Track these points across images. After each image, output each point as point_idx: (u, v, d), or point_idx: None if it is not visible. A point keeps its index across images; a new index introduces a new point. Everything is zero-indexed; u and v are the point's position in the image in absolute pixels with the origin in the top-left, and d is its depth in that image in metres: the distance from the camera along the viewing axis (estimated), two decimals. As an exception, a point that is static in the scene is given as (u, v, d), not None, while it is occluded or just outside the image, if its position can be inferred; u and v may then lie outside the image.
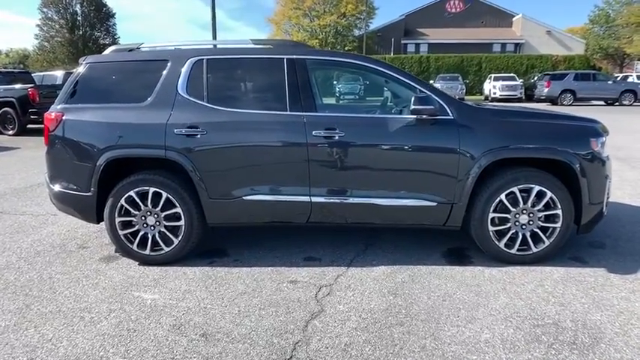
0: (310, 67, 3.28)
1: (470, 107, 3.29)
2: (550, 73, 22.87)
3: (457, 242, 3.71)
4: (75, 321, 2.61)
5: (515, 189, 3.15)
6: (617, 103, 20.90)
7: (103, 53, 3.59)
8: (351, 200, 3.22)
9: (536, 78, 24.08)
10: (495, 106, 4.04)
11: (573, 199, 3.17)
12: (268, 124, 3.21)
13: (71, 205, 3.46)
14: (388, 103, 4.17)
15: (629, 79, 23.36)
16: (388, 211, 3.25)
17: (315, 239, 3.81)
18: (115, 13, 42.32)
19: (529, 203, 3.18)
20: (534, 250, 3.23)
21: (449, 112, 3.15)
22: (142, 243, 3.35)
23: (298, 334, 2.44)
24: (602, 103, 21.39)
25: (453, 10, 42.14)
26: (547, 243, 3.22)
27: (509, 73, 28.31)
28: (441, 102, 3.15)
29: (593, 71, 24.66)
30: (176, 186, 3.25)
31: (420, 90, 3.18)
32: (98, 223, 3.50)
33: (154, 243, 3.34)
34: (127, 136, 3.23)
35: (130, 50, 3.55)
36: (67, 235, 4.10)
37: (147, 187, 3.25)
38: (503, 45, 38.11)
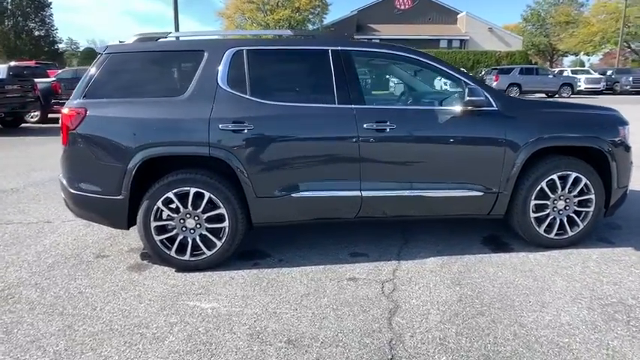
0: (356, 59, 3.19)
1: (511, 98, 3.39)
2: (497, 67, 24.14)
3: (489, 230, 3.80)
4: (136, 339, 2.37)
5: (554, 176, 3.28)
6: (556, 95, 22.52)
7: (126, 42, 3.27)
8: (401, 193, 3.19)
9: (483, 73, 25.35)
10: (527, 97, 4.17)
11: (603, 184, 3.36)
12: (317, 117, 3.09)
13: (96, 211, 3.14)
14: (408, 95, 4.16)
15: (565, 74, 25.30)
16: (437, 202, 3.26)
17: (351, 234, 3.75)
18: (50, 3, 39.06)
19: (566, 189, 3.32)
20: (570, 233, 3.39)
21: (493, 103, 3.21)
22: (180, 248, 3.11)
23: (387, 332, 2.38)
24: (544, 95, 22.97)
25: (402, 7, 43.25)
26: (581, 226, 3.39)
27: (458, 68, 29.59)
28: (486, 93, 3.20)
29: (536, 66, 26.41)
30: (219, 185, 3.04)
31: (465, 82, 3.21)
32: (128, 228, 3.21)
33: (194, 247, 3.12)
34: (164, 133, 2.97)
35: (157, 39, 3.26)
36: (75, 244, 3.72)
37: (187, 188, 3.02)
38: (450, 41, 39.68)
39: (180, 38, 3.31)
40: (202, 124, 2.96)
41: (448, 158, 3.19)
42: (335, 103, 3.11)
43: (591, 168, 3.31)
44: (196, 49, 3.13)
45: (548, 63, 48.95)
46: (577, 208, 3.37)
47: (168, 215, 3.08)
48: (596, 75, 24.68)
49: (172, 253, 3.11)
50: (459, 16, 42.02)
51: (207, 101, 3.01)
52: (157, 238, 3.08)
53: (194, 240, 3.11)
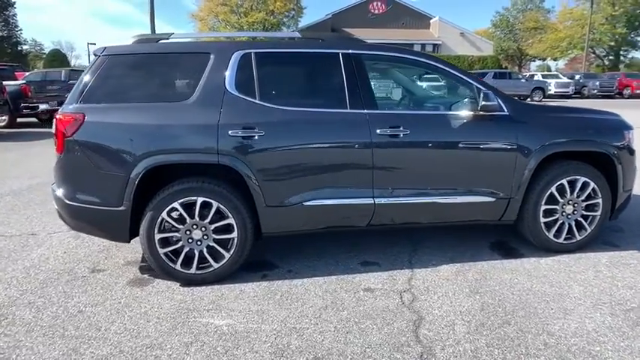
0: (367, 63, 3.11)
1: (521, 103, 3.38)
2: (471, 72, 24.66)
3: (496, 236, 3.79)
4: (150, 361, 2.20)
5: (564, 181, 3.29)
6: (528, 99, 23.19)
7: (125, 44, 3.08)
8: (414, 200, 3.13)
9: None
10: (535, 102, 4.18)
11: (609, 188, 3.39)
12: (330, 123, 2.99)
13: (95, 223, 2.94)
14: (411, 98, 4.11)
15: (535, 78, 26.12)
16: (449, 209, 3.21)
17: (358, 242, 3.66)
18: (14, 2, 37.43)
19: (575, 194, 3.34)
20: (578, 238, 3.41)
21: (504, 108, 3.19)
22: (185, 261, 2.94)
23: (416, 345, 2.30)
24: (516, 98, 23.57)
25: (376, 11, 43.73)
26: (589, 230, 3.41)
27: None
28: (497, 98, 3.18)
29: (509, 70, 27.15)
30: (228, 194, 2.89)
31: (477, 87, 3.18)
32: (130, 241, 3.01)
33: (201, 260, 2.95)
34: (170, 140, 2.80)
35: (158, 41, 3.09)
36: (66, 257, 3.48)
37: (194, 197, 2.85)
38: (423, 46, 40.30)
39: (182, 40, 3.14)
40: (211, 131, 2.81)
41: (461, 164, 3.15)
42: (347, 108, 3.01)
43: (598, 172, 3.34)
44: (202, 52, 2.98)
45: (517, 67, 50.52)
46: (585, 213, 3.40)
47: (174, 226, 2.90)
48: (565, 79, 25.57)
49: (177, 266, 2.93)
50: (431, 21, 42.82)
51: (215, 106, 2.86)
52: (161, 250, 2.90)
53: (201, 252, 2.95)
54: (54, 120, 2.92)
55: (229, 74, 2.92)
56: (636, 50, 40.33)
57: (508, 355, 2.21)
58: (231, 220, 2.92)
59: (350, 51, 3.08)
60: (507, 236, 3.76)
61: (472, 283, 2.97)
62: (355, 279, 3.06)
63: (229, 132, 2.82)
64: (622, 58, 40.42)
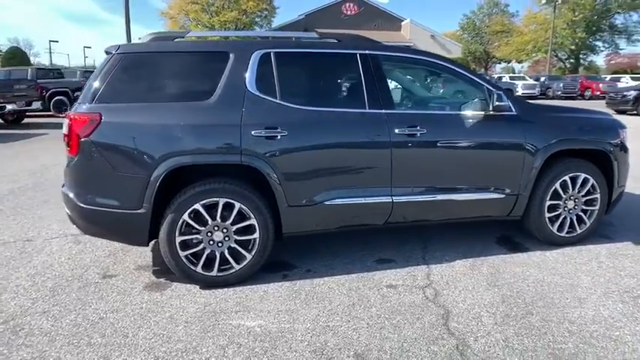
0: (383, 63, 3.17)
1: (527, 104, 3.52)
2: (444, 74, 25.25)
3: (499, 231, 3.92)
4: (188, 365, 2.17)
5: (567, 177, 3.46)
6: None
7: (138, 42, 3.01)
8: (430, 198, 3.21)
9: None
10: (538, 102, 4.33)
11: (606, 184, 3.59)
12: (350, 122, 3.02)
13: (110, 226, 2.85)
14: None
15: (503, 80, 27.06)
16: (463, 206, 3.32)
17: (370, 241, 3.70)
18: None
19: (576, 190, 3.51)
20: (579, 231, 3.59)
21: (512, 108, 3.32)
22: (206, 264, 2.91)
23: (450, 338, 2.37)
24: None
25: (349, 13, 44.10)
26: (588, 224, 3.60)
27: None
28: (507, 99, 3.30)
29: (481, 73, 27.93)
30: (250, 195, 2.88)
31: (488, 88, 3.29)
32: (148, 245, 2.95)
33: (222, 262, 2.92)
34: (192, 140, 2.76)
35: (174, 39, 3.03)
36: (71, 263, 3.36)
37: (216, 199, 2.82)
38: (395, 47, 41.02)
39: (201, 39, 3.10)
40: (233, 131, 2.79)
41: (474, 162, 3.25)
42: (365, 108, 3.06)
43: (597, 169, 3.53)
44: (221, 51, 2.95)
45: (483, 69, 52.17)
46: (584, 207, 3.58)
47: (195, 228, 2.86)
48: (531, 81, 26.62)
49: (199, 269, 2.89)
50: (402, 23, 43.58)
51: (237, 106, 2.85)
52: (182, 253, 2.86)
53: (222, 254, 2.92)
54: (66, 120, 2.82)
55: (250, 74, 2.91)
56: (594, 54, 42.57)
57: (538, 343, 2.32)
58: (252, 221, 2.91)
59: (367, 52, 3.13)
60: (510, 231, 3.90)
61: (488, 277, 3.07)
62: (375, 276, 3.11)
63: (252, 132, 2.81)
64: (581, 61, 42.45)
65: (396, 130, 3.05)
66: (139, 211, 2.76)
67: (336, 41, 3.25)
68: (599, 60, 46.04)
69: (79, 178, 2.80)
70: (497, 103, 3.13)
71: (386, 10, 44.41)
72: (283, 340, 2.37)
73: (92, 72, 3.17)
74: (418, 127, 3.09)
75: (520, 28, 42.42)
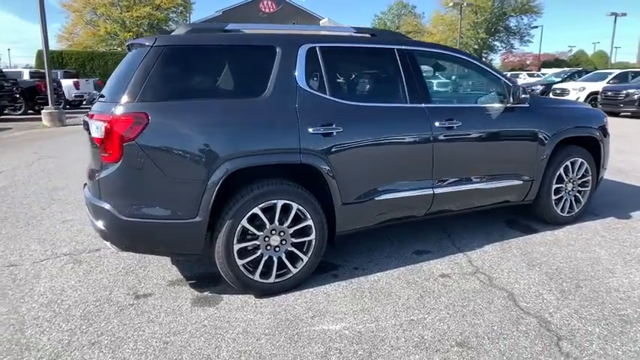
0: (418, 58, 3.22)
1: (534, 97, 3.81)
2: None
3: (504, 216, 4.21)
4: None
5: (568, 162, 3.83)
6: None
7: (175, 34, 2.71)
8: (465, 187, 3.35)
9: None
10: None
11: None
12: (397, 117, 3.04)
13: (160, 240, 2.56)
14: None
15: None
16: (491, 193, 3.51)
17: (396, 234, 3.75)
18: None
19: (574, 173, 3.90)
20: (576, 210, 4.00)
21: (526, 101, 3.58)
22: (263, 271, 2.74)
23: (527, 317, 2.51)
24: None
25: (267, 10, 43.76)
26: (583, 203, 4.03)
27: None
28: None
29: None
30: (307, 195, 2.77)
31: (505, 82, 3.50)
32: (201, 255, 2.69)
33: (279, 267, 2.77)
34: (252, 140, 2.57)
35: (214, 31, 2.79)
36: (85, 285, 2.96)
37: (274, 201, 2.67)
38: (316, 45, 41.52)
39: (241, 31, 2.87)
40: (292, 129, 2.66)
41: (500, 151, 3.47)
42: (407, 102, 3.10)
43: (589, 154, 3.95)
44: (267, 44, 2.78)
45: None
46: (579, 188, 3.99)
47: (253, 234, 2.68)
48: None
49: (256, 277, 2.72)
50: (321, 22, 44.28)
51: (291, 103, 2.71)
52: (240, 262, 2.66)
53: (279, 259, 2.77)
54: (97, 122, 2.46)
55: (299, 69, 2.78)
56: (494, 53, 47.15)
57: (603, 311, 2.55)
58: (309, 222, 2.80)
59: (403, 47, 3.16)
60: (513, 215, 4.21)
61: (522, 258, 3.29)
62: (423, 267, 3.17)
63: (310, 130, 2.70)
64: (484, 59, 46.77)
65: (437, 124, 3.13)
66: (194, 219, 2.50)
67: (370, 36, 3.23)
68: (497, 59, 51.06)
69: (121, 187, 2.46)
70: (516, 95, 3.36)
71: (304, 9, 44.89)
72: (379, 338, 2.32)
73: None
74: (454, 120, 3.21)
75: (429, 29, 45.50)
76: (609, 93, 13.68)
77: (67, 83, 18.57)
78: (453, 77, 4.54)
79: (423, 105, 3.13)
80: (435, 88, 4.24)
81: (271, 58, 2.74)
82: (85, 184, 2.99)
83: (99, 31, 32.75)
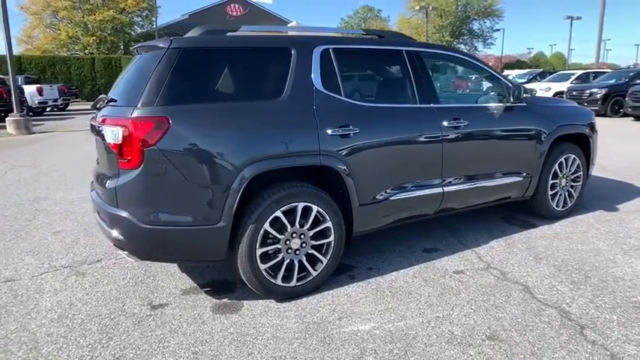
0: (424, 59, 3.28)
1: (531, 96, 3.94)
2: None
3: (499, 212, 4.33)
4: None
5: (562, 159, 3.99)
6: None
7: (189, 36, 2.64)
8: (471, 185, 3.43)
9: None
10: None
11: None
12: (409, 118, 3.08)
13: (181, 247, 2.48)
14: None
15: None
16: (495, 190, 3.61)
17: (401, 233, 3.79)
18: None
19: (567, 169, 4.07)
20: (569, 204, 4.17)
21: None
22: (285, 275, 2.71)
23: (547, 308, 2.59)
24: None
25: (234, 14, 43.48)
26: (575, 198, 4.20)
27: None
28: (522, 92, 3.68)
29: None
30: (326, 196, 2.76)
31: (506, 83, 3.62)
32: (223, 261, 2.63)
33: (299, 270, 2.75)
34: (274, 143, 2.54)
35: (226, 33, 2.73)
36: (94, 298, 2.83)
37: (295, 203, 2.65)
38: (286, 49, 41.44)
39: (247, 33, 2.84)
40: (311, 131, 2.65)
41: (504, 149, 3.58)
42: (417, 103, 3.15)
43: (580, 150, 4.13)
44: (282, 46, 2.75)
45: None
46: (572, 184, 4.17)
47: (274, 238, 2.64)
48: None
49: (278, 281, 2.68)
50: (289, 25, 44.33)
51: (309, 105, 2.70)
52: (262, 267, 2.62)
53: (300, 262, 2.74)
54: (112, 127, 2.37)
55: (315, 71, 2.77)
56: (459, 55, 48.41)
57: (616, 299, 2.67)
58: (328, 224, 2.79)
59: (410, 48, 3.21)
60: (508, 211, 4.34)
61: (527, 252, 3.40)
62: (435, 265, 3.22)
63: (328, 131, 2.69)
64: (449, 61, 48.08)
65: (445, 123, 3.20)
66: (217, 225, 2.45)
67: (378, 37, 3.27)
68: (461, 61, 52.45)
69: (141, 194, 2.37)
70: (516, 95, 3.48)
71: (272, 12, 44.86)
72: (411, 337, 2.34)
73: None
74: (461, 120, 3.28)
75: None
76: (574, 92, 14.38)
77: (29, 89, 17.65)
78: (456, 77, 4.65)
79: (431, 105, 3.19)
80: (438, 89, 4.31)
81: (287, 59, 2.72)
82: (93, 190, 2.87)
83: (60, 35, 31.48)
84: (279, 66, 2.71)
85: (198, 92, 2.51)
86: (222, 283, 3.02)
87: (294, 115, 2.65)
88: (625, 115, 13.28)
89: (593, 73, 17.03)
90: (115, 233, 2.48)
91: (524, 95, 3.52)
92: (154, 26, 36.33)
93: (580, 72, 17.32)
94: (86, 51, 32.83)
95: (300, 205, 2.67)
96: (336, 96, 2.82)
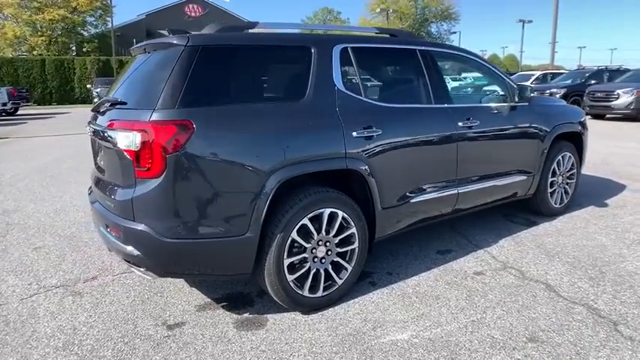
0: (437, 58, 3.24)
1: (531, 96, 4.00)
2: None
3: (500, 212, 4.38)
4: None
5: (560, 157, 4.09)
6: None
7: (208, 33, 2.45)
8: (482, 185, 3.42)
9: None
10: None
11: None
12: (427, 118, 3.03)
13: (209, 261, 2.30)
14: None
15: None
16: (502, 189, 3.63)
17: (410, 235, 3.71)
18: None
19: (564, 167, 4.18)
20: (565, 202, 4.28)
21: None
22: (312, 285, 2.58)
23: (575, 306, 2.60)
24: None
25: (193, 14, 42.51)
26: (570, 194, 4.32)
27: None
28: (524, 92, 3.73)
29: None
30: (350, 201, 2.65)
31: (510, 83, 3.65)
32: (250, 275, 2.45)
33: (325, 279, 2.62)
34: (301, 147, 2.40)
35: (243, 30, 2.56)
36: (99, 320, 2.58)
37: (321, 209, 2.52)
38: (249, 50, 40.96)
39: (264, 30, 2.68)
40: (337, 133, 2.53)
41: (511, 148, 3.61)
42: (432, 103, 3.10)
43: (574, 148, 4.25)
44: (302, 45, 2.62)
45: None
46: (568, 181, 4.28)
47: (301, 247, 2.50)
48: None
49: (305, 292, 2.54)
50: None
51: (331, 106, 2.58)
52: (290, 278, 2.47)
53: (326, 271, 2.62)
54: (131, 132, 2.15)
55: (335, 70, 2.66)
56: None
57: (638, 293, 2.72)
58: (353, 230, 2.68)
59: (423, 47, 3.16)
60: (509, 210, 4.40)
61: (538, 250, 3.44)
62: (453, 267, 3.19)
63: (353, 133, 2.59)
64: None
65: (460, 123, 3.17)
66: (244, 235, 2.28)
67: (389, 36, 3.20)
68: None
69: (164, 205, 2.15)
70: (520, 94, 3.52)
71: (232, 14, 44.21)
72: (453, 343, 2.28)
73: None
74: (472, 119, 3.27)
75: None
76: (535, 93, 15.01)
77: (-25, 93, 16.42)
78: (461, 77, 4.66)
79: (446, 105, 3.16)
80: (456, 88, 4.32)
81: (308, 58, 2.59)
82: (96, 202, 2.62)
83: (5, 35, 29.53)
84: (302, 65, 2.57)
85: (220, 93, 2.33)
86: (237, 296, 2.84)
87: (320, 116, 2.52)
88: (583, 113, 14.02)
89: (551, 73, 17.90)
90: (129, 249, 2.25)
91: (530, 95, 3.57)
92: (109, 26, 34.86)
93: (539, 73, 18.15)
94: (34, 52, 30.98)
95: (327, 211, 2.54)
96: (357, 96, 2.72)
